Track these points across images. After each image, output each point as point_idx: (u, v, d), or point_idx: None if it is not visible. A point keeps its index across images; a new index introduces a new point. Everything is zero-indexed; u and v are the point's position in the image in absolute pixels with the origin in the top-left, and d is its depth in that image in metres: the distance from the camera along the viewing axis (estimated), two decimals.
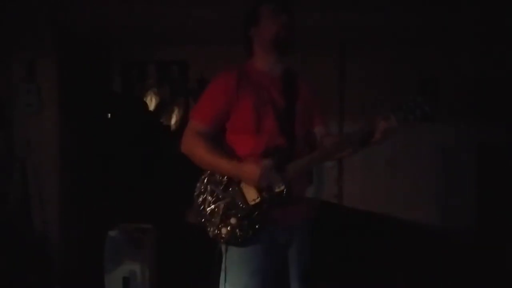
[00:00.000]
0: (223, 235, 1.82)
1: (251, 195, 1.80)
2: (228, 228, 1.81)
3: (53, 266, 3.65)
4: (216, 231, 1.83)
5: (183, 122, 4.53)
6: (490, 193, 4.36)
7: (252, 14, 1.97)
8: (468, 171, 4.58)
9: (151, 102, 4.71)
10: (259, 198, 1.79)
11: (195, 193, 1.90)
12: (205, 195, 1.87)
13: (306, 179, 2.01)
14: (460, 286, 3.22)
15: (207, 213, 1.85)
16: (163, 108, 4.72)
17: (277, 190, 1.79)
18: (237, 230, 1.81)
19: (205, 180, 1.89)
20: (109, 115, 4.54)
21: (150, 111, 4.67)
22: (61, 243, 3.76)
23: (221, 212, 1.83)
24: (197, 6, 3.34)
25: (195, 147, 1.87)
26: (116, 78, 4.76)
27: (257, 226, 1.81)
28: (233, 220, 1.81)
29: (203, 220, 1.86)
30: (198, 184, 1.91)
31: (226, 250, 1.86)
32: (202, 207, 1.87)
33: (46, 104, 3.73)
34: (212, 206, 1.85)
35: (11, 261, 3.39)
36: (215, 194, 1.86)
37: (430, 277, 3.20)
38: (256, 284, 1.83)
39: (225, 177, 1.86)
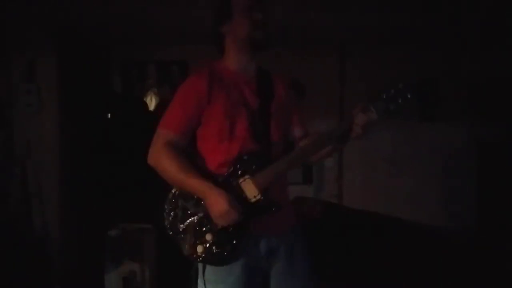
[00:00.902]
0: (198, 254, 1.66)
1: (252, 192, 1.65)
2: (204, 245, 1.65)
3: (53, 266, 3.65)
4: (191, 250, 1.66)
5: None
6: (490, 193, 4.36)
7: (224, 8, 1.79)
8: (468, 171, 4.58)
9: (151, 102, 4.71)
10: (260, 195, 1.65)
11: (166, 209, 1.73)
12: (176, 211, 1.71)
13: (287, 184, 1.85)
14: (460, 286, 3.22)
15: (180, 230, 1.69)
16: (163, 108, 4.71)
17: (253, 200, 1.65)
18: (214, 247, 1.64)
19: (176, 194, 1.72)
20: (109, 115, 4.54)
21: (150, 111, 4.67)
22: (61, 243, 3.76)
23: (195, 229, 1.66)
24: (197, 6, 3.34)
25: (161, 160, 1.69)
26: (116, 78, 4.75)
27: (234, 242, 1.64)
28: (208, 237, 1.65)
29: (176, 238, 1.70)
30: (168, 199, 1.73)
31: (204, 269, 1.70)
32: (173, 224, 1.70)
33: (46, 104, 3.73)
34: (185, 223, 1.69)
35: (11, 261, 3.39)
36: (186, 210, 1.69)
37: (430, 277, 3.20)
38: None
39: None
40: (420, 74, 4.58)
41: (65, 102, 3.84)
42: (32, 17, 3.57)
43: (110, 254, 3.37)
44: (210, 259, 1.66)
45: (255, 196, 1.65)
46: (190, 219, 1.69)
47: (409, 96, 1.69)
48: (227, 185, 1.66)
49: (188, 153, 1.74)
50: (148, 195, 4.08)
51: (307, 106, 4.12)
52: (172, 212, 1.72)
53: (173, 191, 1.74)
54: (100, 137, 4.34)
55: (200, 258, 1.67)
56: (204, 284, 1.70)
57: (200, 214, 1.67)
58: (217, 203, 1.60)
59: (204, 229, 1.66)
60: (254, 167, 1.67)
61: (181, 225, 1.69)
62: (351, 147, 4.62)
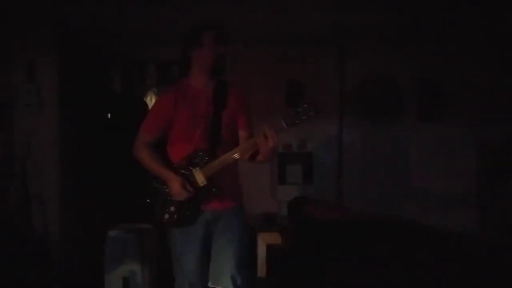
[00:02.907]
0: (165, 219, 2.36)
1: (200, 179, 2.29)
2: (169, 214, 2.35)
3: (53, 266, 3.65)
4: (160, 216, 2.37)
5: None
6: (490, 193, 4.36)
7: (194, 38, 2.35)
8: (468, 171, 4.58)
9: (151, 102, 4.71)
10: (206, 181, 2.29)
11: (148, 189, 2.42)
12: (153, 190, 2.39)
13: (233, 175, 2.45)
14: (460, 286, 3.22)
15: (154, 202, 2.38)
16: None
17: (201, 185, 2.30)
18: (175, 215, 2.34)
19: (152, 179, 2.39)
20: (109, 115, 4.54)
21: None
22: (61, 243, 3.76)
23: (163, 202, 2.35)
24: (197, 7, 3.35)
25: (139, 154, 2.40)
26: (116, 78, 4.76)
27: (188, 212, 2.34)
28: (172, 208, 2.34)
29: (153, 208, 2.38)
30: (150, 182, 2.41)
31: (170, 230, 2.43)
32: (151, 197, 2.40)
33: (46, 104, 3.73)
34: (157, 197, 2.37)
35: (11, 261, 3.39)
36: (157, 189, 2.37)
37: (430, 277, 3.20)
38: (188, 250, 2.38)
39: None
40: (420, 74, 4.59)
41: (65, 102, 3.84)
42: (32, 17, 3.57)
43: (110, 254, 3.37)
44: (173, 223, 2.37)
45: (202, 182, 2.30)
46: (160, 196, 2.37)
47: (312, 114, 2.19)
48: (183, 173, 2.32)
49: (159, 149, 2.41)
50: (148, 195, 4.09)
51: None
52: (152, 191, 2.40)
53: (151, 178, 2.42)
54: (100, 137, 4.34)
55: (166, 222, 2.38)
56: (171, 241, 2.44)
57: (166, 192, 2.34)
58: (174, 185, 2.29)
59: (169, 203, 2.35)
60: (203, 161, 2.30)
61: (154, 199, 2.39)
62: (351, 147, 4.67)
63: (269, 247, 3.84)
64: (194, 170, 2.31)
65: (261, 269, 3.81)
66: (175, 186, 2.28)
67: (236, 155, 2.27)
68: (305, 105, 2.19)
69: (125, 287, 3.34)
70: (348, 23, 3.86)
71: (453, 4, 3.34)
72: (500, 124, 4.41)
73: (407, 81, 4.58)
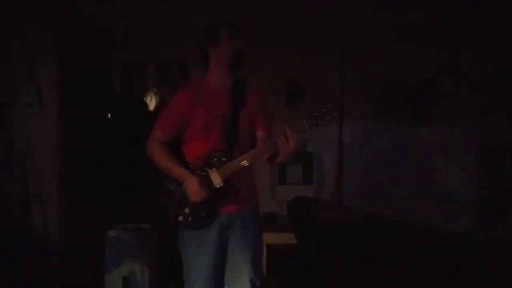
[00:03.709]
0: (180, 221, 2.28)
1: (216, 180, 2.23)
2: (183, 215, 2.27)
3: (53, 266, 3.65)
4: (175, 218, 2.29)
5: None
6: (490, 193, 4.36)
7: (212, 34, 2.31)
8: (468, 171, 4.58)
9: (151, 102, 4.71)
10: (222, 183, 2.22)
11: (163, 190, 2.33)
12: (167, 192, 2.31)
13: (249, 177, 2.40)
14: (460, 286, 3.22)
15: (168, 204, 2.30)
16: (163, 108, 4.72)
17: (217, 186, 2.23)
18: (190, 217, 2.27)
19: (166, 180, 2.31)
20: (109, 115, 4.54)
21: (150, 111, 4.67)
22: (61, 243, 3.76)
23: (178, 204, 2.27)
24: (197, 7, 3.35)
25: (154, 153, 2.33)
26: (116, 78, 4.75)
27: (203, 215, 2.27)
28: (186, 210, 2.26)
29: (166, 210, 2.31)
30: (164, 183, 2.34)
31: (183, 233, 2.35)
32: (166, 200, 2.32)
33: (46, 104, 3.73)
34: (172, 199, 2.29)
35: (11, 261, 3.39)
36: (171, 190, 2.30)
37: (430, 277, 3.20)
38: (202, 253, 2.30)
39: None
40: (420, 74, 4.59)
41: (65, 102, 3.84)
42: (32, 17, 3.57)
43: (110, 254, 3.37)
44: (187, 225, 2.29)
45: (218, 184, 2.23)
46: (174, 197, 2.29)
47: (335, 114, 2.20)
48: (200, 173, 2.25)
49: (174, 149, 2.36)
50: (148, 195, 4.09)
51: (307, 106, 4.15)
52: (166, 192, 2.32)
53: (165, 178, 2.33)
54: (100, 137, 4.34)
55: (181, 223, 2.29)
56: (184, 244, 2.35)
57: (181, 194, 2.26)
58: (191, 185, 2.21)
59: (183, 204, 2.27)
60: (220, 162, 2.24)
61: (168, 201, 2.31)
62: (351, 147, 4.67)
63: (269, 247, 3.85)
64: (210, 171, 2.24)
65: None
66: (193, 186, 2.21)
67: (254, 156, 2.22)
68: (329, 105, 2.18)
69: (125, 287, 3.34)
70: (348, 23, 3.86)
71: (453, 4, 3.34)
72: (500, 124, 4.41)
73: (407, 81, 4.58)
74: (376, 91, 4.62)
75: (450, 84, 4.57)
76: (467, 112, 4.55)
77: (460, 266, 3.24)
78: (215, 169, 2.23)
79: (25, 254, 3.50)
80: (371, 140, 4.68)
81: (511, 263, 3.23)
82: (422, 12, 3.55)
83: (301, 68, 4.51)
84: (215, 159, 2.24)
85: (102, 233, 3.44)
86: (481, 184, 4.51)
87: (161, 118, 2.37)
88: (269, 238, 3.82)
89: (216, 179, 2.23)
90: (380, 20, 3.74)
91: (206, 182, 2.23)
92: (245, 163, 2.22)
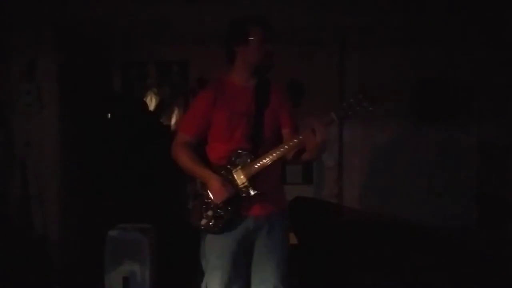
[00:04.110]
0: (202, 225, 2.17)
1: (241, 179, 2.14)
2: (206, 219, 2.16)
3: (53, 266, 3.65)
4: (197, 222, 2.18)
5: None
6: (490, 193, 4.36)
7: (242, 32, 2.18)
8: (468, 171, 4.58)
9: (151, 102, 4.71)
10: (247, 182, 2.13)
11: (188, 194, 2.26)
12: (192, 194, 2.24)
13: (276, 177, 2.29)
14: (460, 286, 3.22)
15: (190, 206, 2.23)
16: (163, 108, 4.72)
17: (241, 186, 2.14)
18: (213, 220, 2.15)
19: (191, 182, 2.25)
20: (109, 115, 4.54)
21: (150, 111, 4.67)
22: (61, 243, 3.76)
23: (201, 207, 2.17)
24: (197, 7, 3.35)
25: (178, 155, 2.24)
26: (116, 78, 4.75)
27: (227, 218, 2.15)
28: (209, 213, 2.16)
29: (189, 213, 2.22)
30: (188, 186, 2.27)
31: (205, 237, 2.24)
32: (189, 203, 2.25)
33: (46, 104, 3.73)
34: (194, 201, 2.22)
35: (11, 261, 3.39)
36: (196, 192, 2.22)
37: (430, 277, 3.20)
38: (224, 258, 2.18)
39: None
40: (420, 74, 4.59)
41: (65, 102, 3.84)
42: (32, 17, 3.57)
43: (110, 254, 3.37)
44: (210, 229, 2.17)
45: (243, 183, 2.14)
46: (197, 199, 2.20)
47: (365, 104, 2.06)
48: (224, 173, 2.17)
49: (198, 149, 2.27)
50: (148, 195, 4.09)
51: (307, 106, 4.15)
52: (190, 195, 2.25)
53: (190, 180, 2.26)
54: (100, 137, 4.34)
55: (203, 227, 2.18)
56: (205, 249, 2.24)
57: (204, 196, 2.16)
58: (214, 184, 2.13)
59: (206, 207, 2.16)
60: (244, 161, 2.15)
61: (192, 203, 2.23)
62: (351, 147, 4.67)
63: None
64: (234, 170, 2.15)
65: None
66: (215, 185, 2.11)
67: (280, 154, 2.11)
68: (360, 95, 2.04)
69: (125, 287, 3.34)
70: (348, 23, 3.86)
71: (453, 4, 3.34)
72: (500, 124, 4.41)
73: (407, 81, 4.58)
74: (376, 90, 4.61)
75: (451, 84, 4.57)
76: (467, 112, 4.55)
77: (459, 265, 3.24)
78: (239, 168, 2.15)
79: (25, 254, 3.50)
80: (371, 140, 4.68)
81: (509, 262, 3.23)
82: (422, 12, 3.55)
83: (301, 68, 4.51)
84: (239, 158, 2.16)
85: (102, 233, 3.44)
86: (481, 183, 4.51)
87: (184, 119, 2.37)
88: None
89: (241, 178, 2.14)
90: (380, 20, 3.74)
91: (230, 181, 2.14)
92: (268, 161, 2.11)
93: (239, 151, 2.16)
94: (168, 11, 3.50)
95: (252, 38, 2.17)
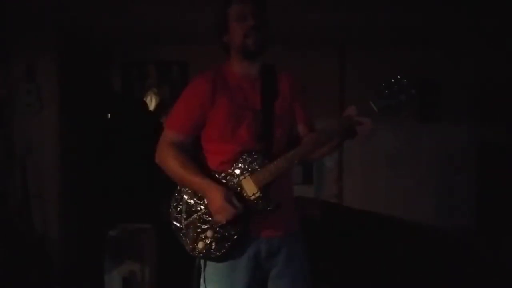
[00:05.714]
0: (199, 249, 1.69)
1: (251, 189, 1.67)
2: (205, 241, 1.68)
3: (53, 266, 3.65)
4: (192, 245, 1.71)
5: None
6: (490, 193, 4.36)
7: (221, 20, 1.79)
8: (468, 171, 4.58)
9: (151, 102, 4.71)
10: (259, 192, 1.66)
11: (171, 205, 1.77)
12: (179, 207, 1.75)
13: (290, 186, 1.87)
14: (459, 286, 3.22)
15: (183, 226, 1.73)
16: (163, 108, 4.72)
17: (252, 197, 1.66)
18: (214, 244, 1.68)
19: (181, 190, 1.77)
20: (109, 115, 4.54)
21: (150, 111, 4.67)
22: (61, 243, 3.76)
23: (197, 225, 1.70)
24: (196, 7, 3.34)
25: (166, 159, 1.75)
26: (116, 78, 4.76)
27: (234, 239, 1.67)
28: (209, 233, 1.68)
29: (179, 233, 1.74)
30: (173, 194, 1.78)
31: (205, 266, 1.73)
32: (177, 219, 1.75)
33: (46, 104, 3.73)
34: (189, 219, 1.73)
35: (11, 261, 3.39)
36: (190, 206, 1.74)
37: (430, 277, 3.20)
38: None
39: None
40: (421, 74, 4.59)
41: (65, 102, 3.84)
42: (32, 17, 3.57)
43: (110, 254, 3.36)
44: (210, 255, 1.69)
45: (254, 194, 1.66)
46: (193, 216, 1.72)
47: (413, 92, 1.62)
48: (227, 182, 1.70)
49: (192, 153, 1.79)
50: (148, 195, 4.09)
51: (307, 106, 4.15)
52: (178, 208, 1.76)
53: (178, 187, 1.78)
54: (100, 137, 4.34)
55: (201, 254, 1.70)
56: (205, 281, 1.73)
57: (202, 210, 1.70)
58: (215, 199, 1.63)
59: (205, 225, 1.69)
60: (253, 165, 1.69)
61: (185, 221, 1.73)
62: (351, 147, 4.67)
63: None
64: (241, 178, 1.68)
65: None
66: (216, 199, 1.62)
67: (303, 154, 1.68)
68: (405, 80, 1.62)
69: (125, 287, 3.34)
70: (348, 23, 3.86)
71: (453, 4, 3.34)
72: (500, 124, 4.41)
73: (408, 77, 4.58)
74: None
75: (450, 84, 4.57)
76: (467, 112, 4.56)
77: (459, 265, 3.24)
78: (248, 175, 1.68)
79: (25, 254, 3.50)
80: (371, 140, 4.68)
81: (509, 262, 3.23)
82: (423, 13, 3.55)
83: (301, 68, 4.50)
84: (247, 163, 1.69)
85: (102, 233, 3.44)
86: (481, 184, 4.51)
87: (173, 114, 1.80)
88: None
89: (250, 188, 1.66)
90: (380, 20, 3.74)
91: (235, 193, 1.66)
92: (286, 165, 1.67)
93: (246, 153, 1.70)
94: (168, 11, 3.50)
95: (229, 21, 1.76)
